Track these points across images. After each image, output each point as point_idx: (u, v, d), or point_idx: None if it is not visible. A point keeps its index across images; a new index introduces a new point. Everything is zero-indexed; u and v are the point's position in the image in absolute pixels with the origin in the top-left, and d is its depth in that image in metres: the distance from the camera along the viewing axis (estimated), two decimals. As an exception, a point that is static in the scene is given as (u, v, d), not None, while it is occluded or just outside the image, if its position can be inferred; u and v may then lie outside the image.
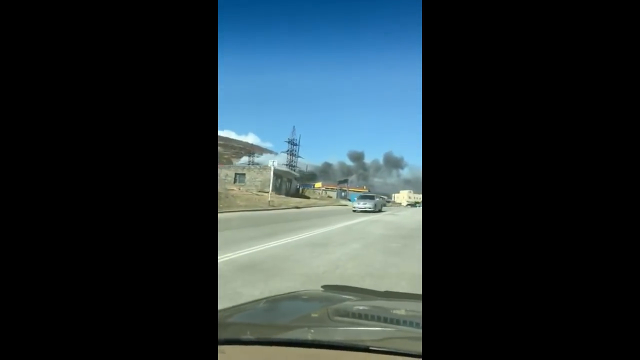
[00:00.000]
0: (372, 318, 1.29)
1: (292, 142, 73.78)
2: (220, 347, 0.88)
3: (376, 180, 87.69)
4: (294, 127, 74.72)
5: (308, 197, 35.83)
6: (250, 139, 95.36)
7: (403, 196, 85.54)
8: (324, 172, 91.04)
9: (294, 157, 74.13)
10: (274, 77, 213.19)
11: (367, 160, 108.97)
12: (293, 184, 38.15)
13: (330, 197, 48.99)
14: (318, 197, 42.74)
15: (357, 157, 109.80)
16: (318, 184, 62.28)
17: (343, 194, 55.96)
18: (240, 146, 71.32)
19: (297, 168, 73.17)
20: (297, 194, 37.84)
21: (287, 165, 74.75)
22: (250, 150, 71.48)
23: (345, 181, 63.84)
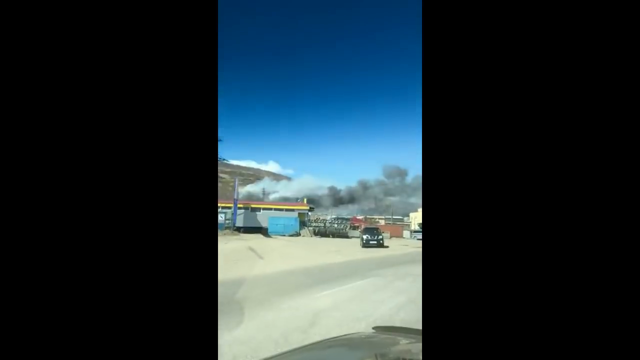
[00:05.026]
0: None
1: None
2: None
3: (414, 201, 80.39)
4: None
5: None
6: (271, 167, 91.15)
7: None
8: (358, 195, 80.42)
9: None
10: (293, 96, 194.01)
11: (409, 178, 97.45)
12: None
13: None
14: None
15: (400, 174, 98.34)
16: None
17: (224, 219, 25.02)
18: (250, 172, 68.91)
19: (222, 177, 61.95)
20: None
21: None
22: (259, 175, 68.23)
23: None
